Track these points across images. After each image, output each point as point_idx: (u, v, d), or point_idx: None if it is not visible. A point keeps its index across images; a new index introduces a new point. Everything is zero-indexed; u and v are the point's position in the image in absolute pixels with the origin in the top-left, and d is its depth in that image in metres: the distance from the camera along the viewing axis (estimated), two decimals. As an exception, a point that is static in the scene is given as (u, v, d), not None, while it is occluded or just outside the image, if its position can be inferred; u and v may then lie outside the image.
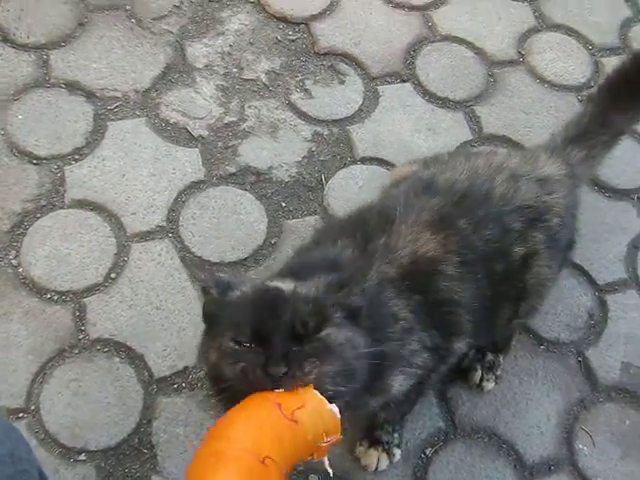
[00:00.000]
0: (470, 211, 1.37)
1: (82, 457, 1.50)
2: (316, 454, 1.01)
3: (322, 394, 1.03)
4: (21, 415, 1.52)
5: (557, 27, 2.25)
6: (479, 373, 1.65)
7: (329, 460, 1.05)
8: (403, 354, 1.26)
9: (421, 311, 1.28)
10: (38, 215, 1.75)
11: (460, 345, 1.38)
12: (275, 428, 0.95)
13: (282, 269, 1.33)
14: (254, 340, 1.07)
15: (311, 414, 0.99)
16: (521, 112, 2.06)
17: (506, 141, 1.99)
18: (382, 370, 1.22)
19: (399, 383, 1.27)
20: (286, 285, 1.14)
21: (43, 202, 1.77)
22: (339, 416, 1.02)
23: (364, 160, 1.94)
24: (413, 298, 1.27)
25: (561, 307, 1.77)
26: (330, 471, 1.05)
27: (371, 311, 1.20)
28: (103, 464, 1.49)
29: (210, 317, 1.17)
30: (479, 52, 2.16)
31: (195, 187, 1.84)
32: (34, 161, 1.82)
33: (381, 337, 1.20)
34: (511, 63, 2.16)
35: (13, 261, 1.69)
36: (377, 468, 1.54)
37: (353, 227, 1.38)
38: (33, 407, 1.53)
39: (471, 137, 2.00)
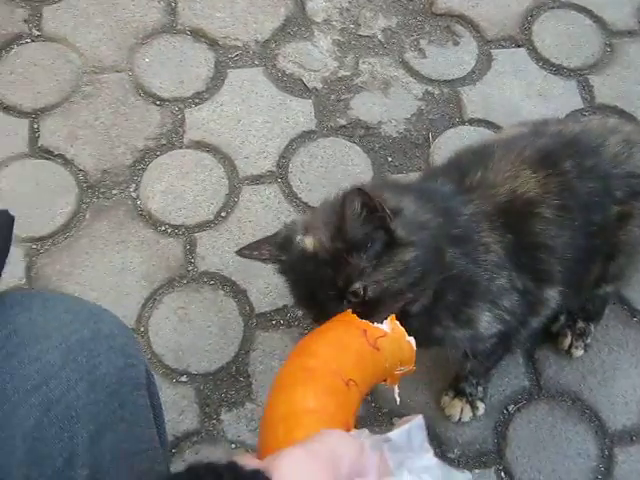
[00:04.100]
0: (578, 156, 1.35)
1: (183, 379, 1.61)
2: (389, 380, 1.06)
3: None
4: (132, 335, 1.64)
5: (683, -3, 2.19)
6: (569, 339, 1.66)
7: (398, 389, 1.09)
8: (491, 288, 1.27)
9: (513, 251, 1.27)
10: (158, 153, 1.86)
11: (552, 293, 1.36)
12: (359, 353, 0.99)
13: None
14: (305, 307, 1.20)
15: (391, 343, 1.03)
16: (637, 84, 2.02)
17: (618, 112, 1.97)
18: (470, 296, 1.25)
19: (486, 320, 1.28)
20: (308, 241, 1.15)
21: (163, 141, 1.88)
22: (415, 348, 1.06)
23: (472, 121, 1.96)
24: (506, 236, 1.27)
25: (657, 281, 1.76)
26: (397, 399, 1.09)
27: (463, 235, 1.22)
28: (202, 387, 1.60)
29: None
30: (598, 20, 2.13)
31: (306, 136, 1.91)
32: (157, 102, 1.93)
33: (471, 261, 1.23)
34: (630, 33, 2.11)
35: (133, 194, 1.81)
36: (460, 419, 1.58)
37: (450, 166, 1.40)
38: (142, 329, 1.65)
39: (582, 106, 1.98)
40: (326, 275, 1.11)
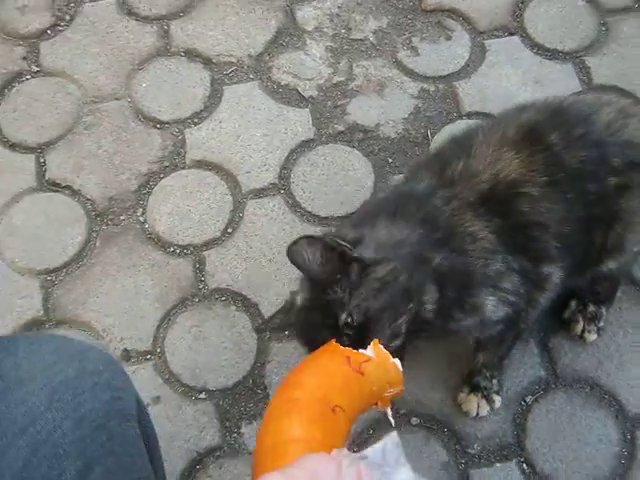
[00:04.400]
0: (565, 126, 1.33)
1: (202, 395, 1.63)
2: (380, 403, 1.08)
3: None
4: (148, 357, 1.67)
5: (678, -32, 2.16)
6: (581, 324, 1.65)
7: (391, 411, 1.11)
8: (489, 274, 1.27)
9: (503, 234, 1.27)
10: (162, 175, 1.89)
11: (551, 270, 1.34)
12: (344, 379, 1.02)
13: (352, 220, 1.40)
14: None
15: (376, 367, 1.06)
16: (635, 61, 2.00)
17: (617, 91, 1.94)
18: (469, 286, 1.26)
19: (492, 304, 1.29)
20: (299, 297, 1.23)
21: (166, 163, 1.91)
22: (401, 369, 1.09)
23: (470, 115, 1.96)
24: (493, 221, 1.27)
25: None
26: (392, 421, 1.11)
27: (447, 235, 1.24)
28: (221, 402, 1.62)
29: None
30: (590, 0, 2.11)
31: (305, 146, 1.93)
32: (157, 125, 1.96)
33: (460, 254, 1.25)
34: (625, 10, 2.09)
35: (140, 218, 1.84)
36: (478, 414, 1.58)
37: (432, 158, 1.41)
38: (159, 350, 1.68)
39: (580, 88, 1.96)
40: (316, 319, 1.17)
